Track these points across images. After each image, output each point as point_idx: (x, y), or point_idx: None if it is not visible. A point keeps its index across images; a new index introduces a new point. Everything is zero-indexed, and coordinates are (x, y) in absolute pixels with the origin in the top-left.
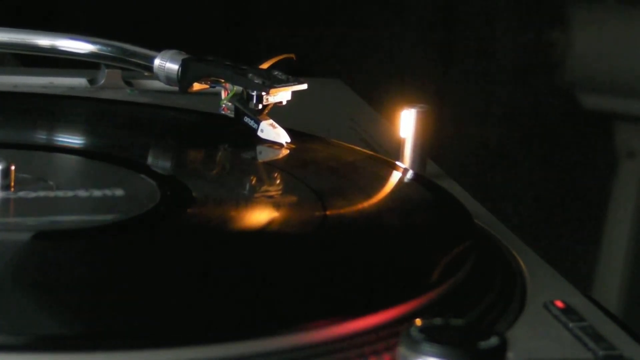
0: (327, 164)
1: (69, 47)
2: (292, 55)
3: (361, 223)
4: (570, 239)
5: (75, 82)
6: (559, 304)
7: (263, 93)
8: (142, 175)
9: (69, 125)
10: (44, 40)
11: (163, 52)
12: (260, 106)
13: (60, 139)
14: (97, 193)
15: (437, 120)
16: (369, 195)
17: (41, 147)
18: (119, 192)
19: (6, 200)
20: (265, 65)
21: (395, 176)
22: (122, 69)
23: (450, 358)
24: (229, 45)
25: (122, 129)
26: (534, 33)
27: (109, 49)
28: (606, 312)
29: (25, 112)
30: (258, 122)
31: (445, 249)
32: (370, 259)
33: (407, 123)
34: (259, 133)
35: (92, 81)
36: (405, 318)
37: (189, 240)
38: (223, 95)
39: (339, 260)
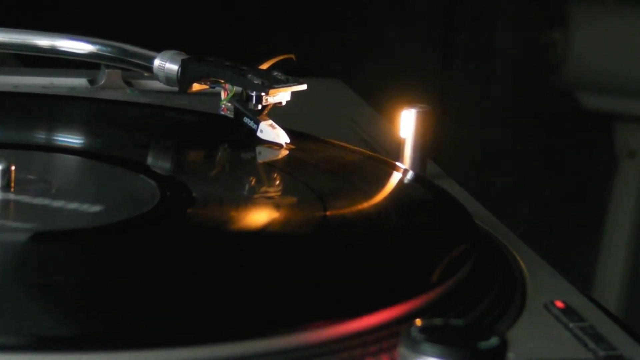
0: (327, 165)
1: (68, 48)
2: (292, 56)
3: (361, 223)
4: (570, 239)
5: (76, 83)
6: (559, 304)
7: (262, 93)
8: (142, 176)
9: (69, 126)
10: (43, 41)
11: (163, 53)
12: (259, 106)
13: (60, 139)
14: (96, 193)
15: (438, 120)
16: (369, 196)
17: (41, 147)
18: (118, 193)
19: (6, 201)
20: (265, 66)
21: (395, 177)
22: (122, 69)
23: (450, 358)
24: (229, 45)
25: (122, 129)
26: (534, 33)
27: (109, 49)
28: (606, 312)
29: (25, 112)
30: (257, 123)
31: (445, 249)
32: (371, 259)
33: (407, 123)
34: (259, 133)
35: (92, 81)
36: (405, 318)
37: (188, 240)
38: (223, 95)
39: (338, 260)
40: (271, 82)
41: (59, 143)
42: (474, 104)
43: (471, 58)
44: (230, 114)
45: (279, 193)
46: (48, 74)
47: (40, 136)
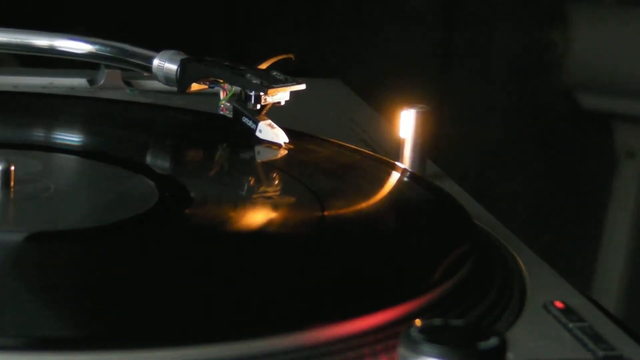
0: (326, 165)
1: (68, 48)
2: (291, 56)
3: (360, 223)
4: (570, 239)
5: (75, 83)
6: (559, 304)
7: (261, 93)
8: (141, 175)
9: (69, 125)
10: (43, 41)
11: (162, 53)
12: (258, 106)
13: (59, 139)
14: (96, 193)
15: (437, 120)
16: (368, 196)
17: (41, 147)
18: (118, 192)
19: (6, 201)
20: (264, 66)
21: (395, 176)
22: (122, 69)
23: (450, 358)
24: (229, 45)
25: (122, 129)
26: (534, 33)
27: (108, 49)
28: (606, 313)
29: (25, 112)
30: (256, 123)
31: (444, 249)
32: (370, 260)
33: (406, 123)
34: (257, 133)
35: (92, 81)
36: (405, 318)
37: (187, 240)
38: (222, 95)
39: (337, 260)
40: (270, 81)
41: (58, 143)
42: (473, 104)
43: (471, 58)
44: (229, 114)
45: (277, 193)
46: (47, 74)
47: (39, 136)
